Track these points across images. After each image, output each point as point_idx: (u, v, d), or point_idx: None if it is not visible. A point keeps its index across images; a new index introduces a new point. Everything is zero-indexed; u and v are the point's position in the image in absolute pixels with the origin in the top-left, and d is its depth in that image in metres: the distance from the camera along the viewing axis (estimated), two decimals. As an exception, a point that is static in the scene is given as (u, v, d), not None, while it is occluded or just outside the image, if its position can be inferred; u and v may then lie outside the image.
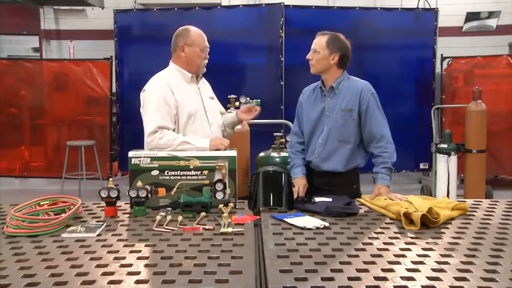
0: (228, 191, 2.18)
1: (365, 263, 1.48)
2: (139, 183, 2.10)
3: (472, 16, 7.81)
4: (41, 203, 2.02)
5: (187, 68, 2.61)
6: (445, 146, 4.93)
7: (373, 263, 1.48)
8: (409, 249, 1.62)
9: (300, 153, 2.74)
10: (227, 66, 5.92)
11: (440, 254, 1.57)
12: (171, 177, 2.19)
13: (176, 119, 2.52)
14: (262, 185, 2.22)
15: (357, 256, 1.55)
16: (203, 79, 2.75)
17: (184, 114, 2.52)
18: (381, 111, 2.61)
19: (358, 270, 1.41)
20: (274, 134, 3.89)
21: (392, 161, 2.56)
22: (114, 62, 6.45)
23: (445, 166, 4.89)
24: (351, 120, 2.57)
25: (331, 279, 1.36)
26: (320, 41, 2.60)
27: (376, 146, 2.58)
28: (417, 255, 1.56)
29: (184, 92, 2.56)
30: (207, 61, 2.65)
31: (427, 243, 1.69)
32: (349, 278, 1.36)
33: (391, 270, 1.42)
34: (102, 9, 7.70)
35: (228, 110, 3.54)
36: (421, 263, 1.49)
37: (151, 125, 2.46)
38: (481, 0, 7.78)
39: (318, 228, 1.87)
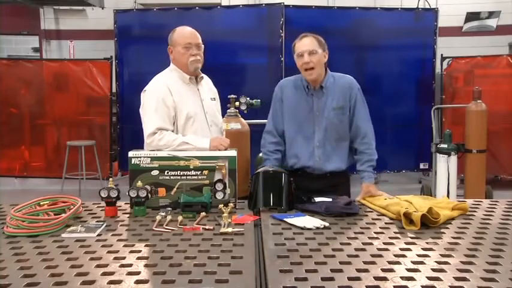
0: (228, 191, 2.18)
1: (365, 263, 1.48)
2: (139, 183, 2.10)
3: (472, 16, 7.80)
4: (41, 203, 2.02)
5: (183, 69, 2.60)
6: (445, 146, 4.93)
7: (373, 263, 1.48)
8: (409, 249, 1.62)
9: (272, 154, 2.61)
10: (227, 66, 5.91)
11: (440, 254, 1.57)
12: (171, 177, 2.19)
13: (174, 120, 2.51)
14: (262, 185, 2.22)
15: (356, 256, 1.55)
16: (205, 79, 2.72)
17: (182, 116, 2.51)
18: (365, 107, 2.63)
19: (358, 270, 1.41)
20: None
21: (375, 158, 2.58)
22: (114, 62, 6.45)
23: (445, 166, 4.89)
24: (345, 118, 2.58)
25: (331, 279, 1.36)
26: (311, 41, 2.56)
27: (362, 142, 2.60)
28: (417, 255, 1.56)
29: (182, 93, 2.55)
30: (198, 57, 2.55)
31: (427, 243, 1.69)
32: (349, 278, 1.36)
33: (391, 270, 1.42)
34: (102, 9, 7.69)
35: (228, 111, 3.53)
36: (421, 263, 1.49)
37: (150, 126, 2.45)
38: (481, 0, 7.77)
39: (318, 228, 1.87)
